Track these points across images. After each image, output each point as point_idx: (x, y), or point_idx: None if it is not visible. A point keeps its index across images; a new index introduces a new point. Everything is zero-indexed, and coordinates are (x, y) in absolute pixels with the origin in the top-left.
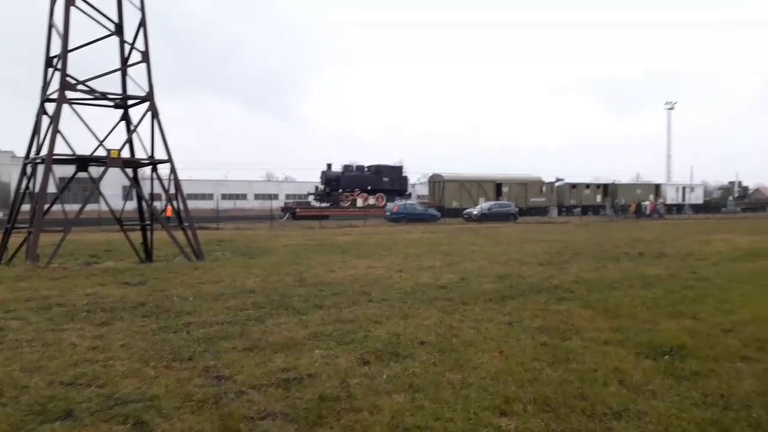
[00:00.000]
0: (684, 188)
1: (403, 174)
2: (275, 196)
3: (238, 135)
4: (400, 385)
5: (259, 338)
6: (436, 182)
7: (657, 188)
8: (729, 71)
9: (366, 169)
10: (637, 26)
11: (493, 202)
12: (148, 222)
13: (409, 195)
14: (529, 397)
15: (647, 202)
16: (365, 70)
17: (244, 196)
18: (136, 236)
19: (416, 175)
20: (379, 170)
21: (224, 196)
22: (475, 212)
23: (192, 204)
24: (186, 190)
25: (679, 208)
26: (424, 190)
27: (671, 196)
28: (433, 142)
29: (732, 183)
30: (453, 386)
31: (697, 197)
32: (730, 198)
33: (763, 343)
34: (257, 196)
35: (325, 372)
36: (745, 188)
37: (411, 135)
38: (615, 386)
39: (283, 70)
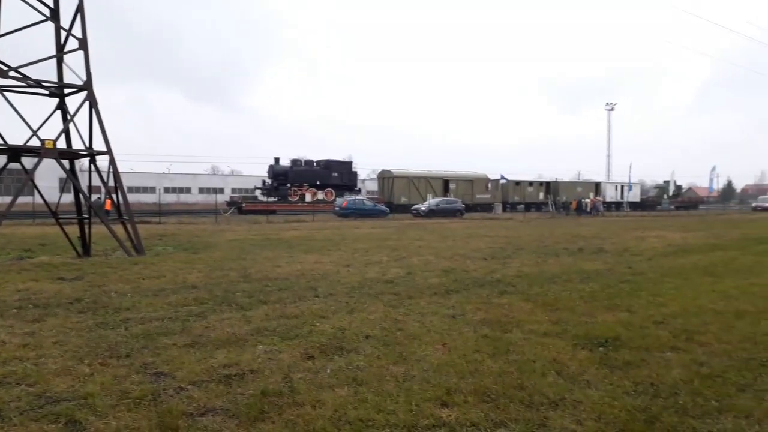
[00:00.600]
0: (622, 187)
1: (353, 169)
2: (221, 190)
3: (183, 127)
4: (344, 378)
5: (200, 334)
6: (385, 178)
7: (597, 186)
8: (668, 74)
9: (315, 164)
10: (586, 28)
11: (440, 199)
12: (85, 215)
13: (359, 190)
14: (469, 388)
15: (587, 200)
16: (316, 64)
17: (188, 190)
18: (73, 230)
19: (366, 171)
20: (328, 165)
21: (167, 190)
22: (423, 208)
23: (134, 197)
24: (127, 183)
25: (617, 205)
26: (373, 186)
27: (610, 194)
28: (384, 139)
29: (667, 182)
30: (396, 379)
31: (634, 195)
32: (665, 196)
33: (691, 334)
34: (202, 190)
35: (268, 367)
36: (679, 187)
37: (361, 131)
38: (552, 376)
39: (229, 61)
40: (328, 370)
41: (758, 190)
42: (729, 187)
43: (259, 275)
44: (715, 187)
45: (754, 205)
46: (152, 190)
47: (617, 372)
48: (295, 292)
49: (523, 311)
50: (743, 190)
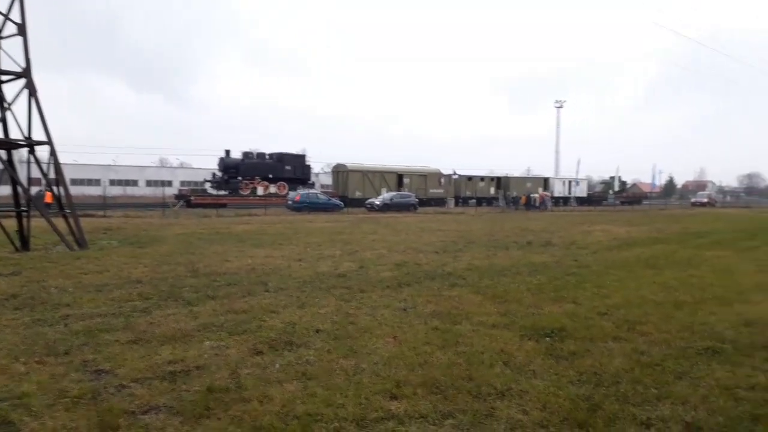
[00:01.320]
0: (570, 182)
1: (306, 162)
2: (169, 183)
3: (129, 118)
4: (293, 373)
5: (144, 330)
6: (339, 172)
7: (546, 182)
8: (615, 75)
9: (267, 157)
10: (538, 28)
11: (394, 193)
12: (24, 208)
13: (312, 184)
14: (419, 380)
15: (536, 195)
16: (269, 54)
17: (135, 183)
18: (11, 224)
19: (320, 165)
20: (281, 158)
21: (113, 182)
22: (378, 202)
23: (77, 190)
24: (70, 175)
25: (565, 200)
26: (328, 180)
27: (558, 190)
28: (340, 133)
29: (612, 178)
30: (346, 372)
31: (581, 191)
32: (611, 192)
33: (633, 324)
34: (149, 183)
35: (215, 363)
36: (624, 183)
37: (316, 124)
38: (500, 367)
39: (177, 49)
40: (277, 365)
41: (697, 186)
42: (670, 183)
43: (207, 270)
44: (657, 183)
45: (693, 200)
46: (97, 182)
47: (562, 362)
48: (244, 286)
49: (472, 303)
50: (684, 186)
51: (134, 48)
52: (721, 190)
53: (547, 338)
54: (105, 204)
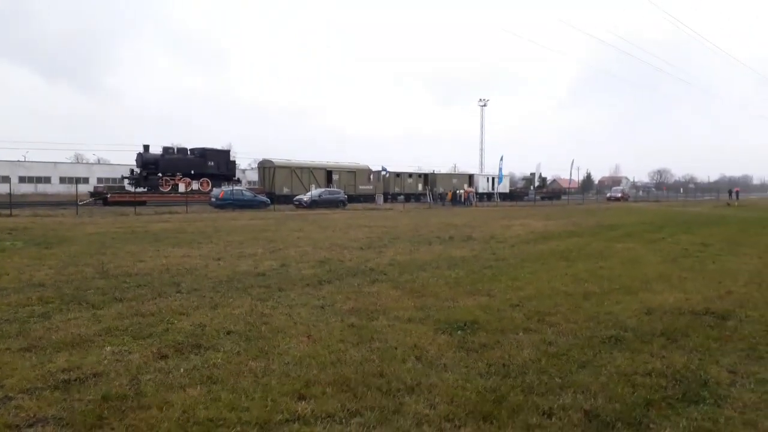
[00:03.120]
0: (493, 179)
1: (231, 158)
2: (85, 180)
3: (39, 110)
4: (198, 377)
5: (40, 337)
6: (266, 168)
7: (471, 178)
8: (538, 75)
9: (189, 152)
10: (465, 28)
11: (323, 189)
12: None
13: (238, 180)
14: (329, 379)
15: (462, 191)
16: (191, 44)
17: (47, 179)
18: None
19: (247, 161)
20: (203, 153)
21: (23, 179)
22: (306, 199)
23: None
24: None
25: (489, 196)
26: (255, 176)
27: (483, 186)
28: (267, 128)
29: (533, 174)
30: (255, 374)
31: (504, 187)
32: (532, 187)
33: (543, 315)
34: (63, 180)
35: (114, 370)
36: (545, 179)
37: (243, 120)
38: (412, 362)
39: (89, 36)
40: (181, 370)
41: (613, 181)
42: (588, 179)
43: (118, 271)
44: (575, 178)
45: (608, 195)
46: (5, 179)
47: (473, 354)
48: (155, 288)
49: (391, 298)
50: (600, 181)
51: (41, 31)
52: (634, 186)
53: (460, 331)
54: (11, 202)
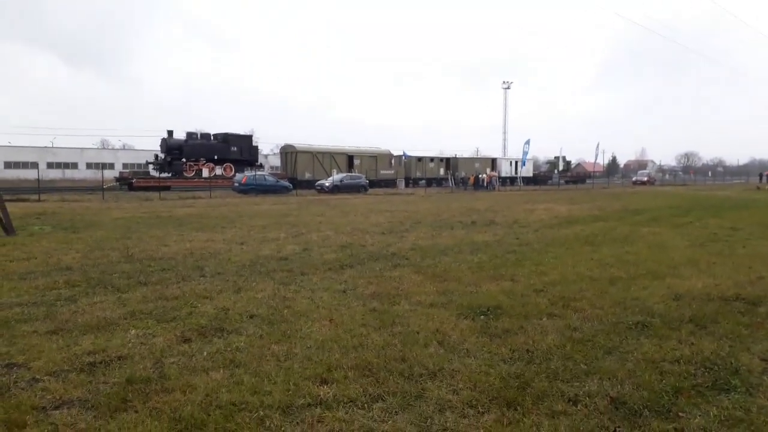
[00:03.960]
0: (516, 162)
1: (254, 143)
2: (111, 166)
3: (67, 98)
4: (221, 361)
5: (67, 320)
6: (288, 153)
7: (493, 162)
8: (564, 58)
9: (212, 138)
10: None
11: (345, 174)
12: None
13: (261, 166)
14: (351, 363)
15: (484, 175)
16: (211, 33)
17: (75, 165)
18: None
19: (269, 146)
20: (226, 139)
21: (51, 165)
22: (328, 184)
23: (12, 174)
24: (4, 158)
25: (512, 180)
26: (277, 162)
27: (505, 170)
28: (289, 115)
29: (557, 158)
30: (277, 358)
31: (527, 171)
32: (556, 171)
33: (567, 301)
34: (90, 165)
35: (139, 353)
36: (569, 163)
37: (266, 106)
38: (434, 347)
39: (116, 24)
40: (205, 353)
41: (638, 165)
42: (613, 163)
43: (142, 255)
44: (600, 162)
45: (634, 179)
46: (34, 165)
47: (496, 340)
48: (179, 272)
49: (413, 283)
50: (626, 165)
51: (65, 20)
52: (661, 169)
53: (483, 316)
54: (39, 187)
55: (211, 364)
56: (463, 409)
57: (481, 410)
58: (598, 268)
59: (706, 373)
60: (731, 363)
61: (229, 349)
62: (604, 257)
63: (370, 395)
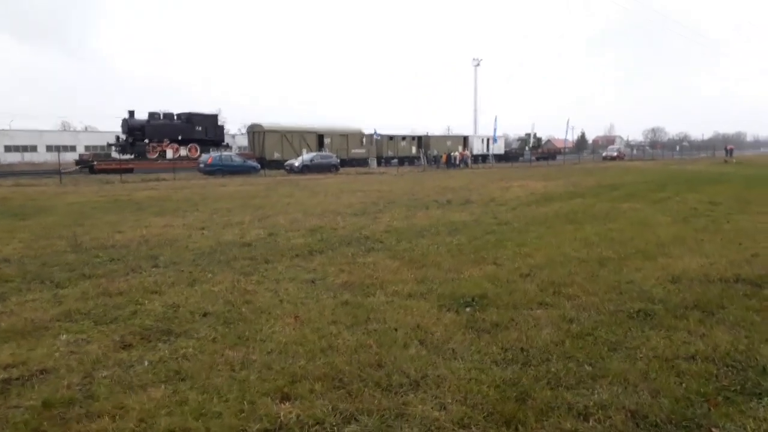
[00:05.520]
0: (488, 140)
1: (220, 123)
2: (72, 148)
3: (25, 78)
4: (164, 373)
5: None
6: (255, 132)
7: (465, 140)
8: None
9: (176, 118)
10: None
11: (315, 154)
12: None
13: (227, 146)
14: (319, 373)
15: (456, 153)
16: (177, 10)
17: (33, 148)
18: None
19: (237, 126)
20: (190, 119)
21: (9, 149)
22: (297, 164)
23: None
24: None
25: (483, 158)
26: (245, 142)
27: (477, 147)
28: (257, 94)
29: (528, 135)
30: (231, 367)
31: (499, 148)
32: (527, 148)
33: (558, 286)
34: (50, 148)
35: (66, 365)
36: (539, 139)
37: (233, 86)
38: (415, 347)
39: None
40: (145, 363)
41: (607, 140)
42: (582, 139)
43: (92, 244)
44: (570, 138)
45: (604, 154)
46: None
47: (485, 336)
48: (129, 262)
49: (388, 270)
50: (594, 141)
51: None
52: (628, 144)
53: (468, 308)
54: None
55: (151, 378)
56: (453, 430)
57: (474, 431)
58: (584, 248)
59: (730, 374)
60: (756, 359)
61: (174, 356)
62: (588, 236)
63: (340, 414)
